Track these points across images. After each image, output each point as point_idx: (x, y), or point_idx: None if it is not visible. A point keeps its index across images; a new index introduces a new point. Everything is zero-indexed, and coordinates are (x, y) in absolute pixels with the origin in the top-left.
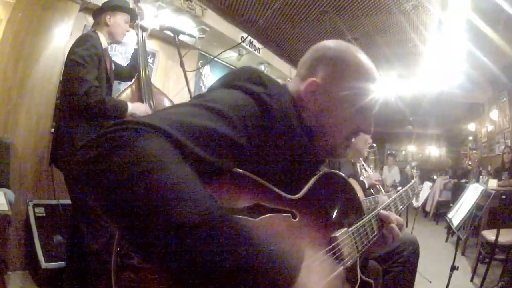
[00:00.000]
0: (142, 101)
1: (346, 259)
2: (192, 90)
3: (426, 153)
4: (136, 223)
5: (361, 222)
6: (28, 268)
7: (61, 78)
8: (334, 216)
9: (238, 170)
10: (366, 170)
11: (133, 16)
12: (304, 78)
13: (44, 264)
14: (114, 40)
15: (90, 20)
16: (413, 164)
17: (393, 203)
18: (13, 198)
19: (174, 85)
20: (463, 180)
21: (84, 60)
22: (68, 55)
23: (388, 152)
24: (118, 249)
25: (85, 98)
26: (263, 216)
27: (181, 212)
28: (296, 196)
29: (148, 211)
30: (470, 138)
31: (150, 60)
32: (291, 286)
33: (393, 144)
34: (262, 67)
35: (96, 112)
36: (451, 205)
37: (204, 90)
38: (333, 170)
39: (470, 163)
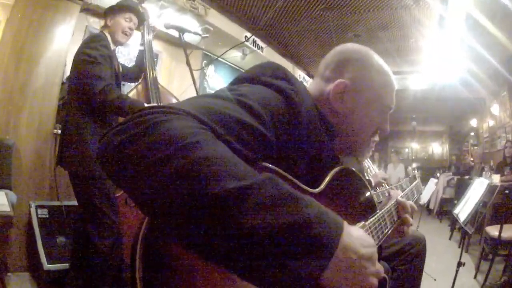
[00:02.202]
0: (149, 101)
1: None
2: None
3: (429, 150)
4: (180, 200)
5: (376, 216)
6: (30, 269)
7: (64, 79)
8: (351, 210)
9: (265, 164)
10: (371, 169)
11: (133, 10)
12: (329, 79)
13: (46, 266)
14: (115, 40)
15: (91, 20)
16: (414, 165)
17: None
18: (15, 200)
19: (179, 85)
20: (466, 177)
21: (97, 59)
22: (77, 55)
23: (393, 150)
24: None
25: (102, 96)
26: None
27: (227, 180)
28: (317, 189)
29: (190, 186)
30: (472, 134)
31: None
32: (342, 234)
33: (396, 141)
34: None
35: (112, 109)
36: (455, 202)
37: (208, 90)
38: (347, 166)
39: (472, 159)
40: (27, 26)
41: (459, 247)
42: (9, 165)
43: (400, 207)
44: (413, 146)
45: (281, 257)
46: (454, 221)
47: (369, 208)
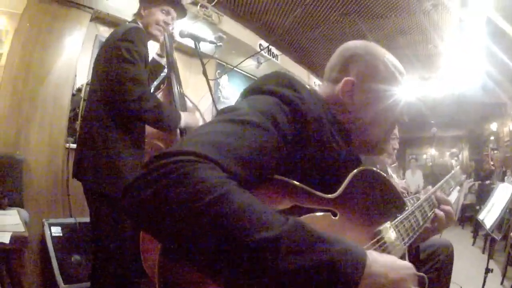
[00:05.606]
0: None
1: (392, 253)
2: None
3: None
4: (212, 253)
5: (404, 214)
6: None
7: (74, 90)
8: (376, 212)
9: (279, 177)
10: (393, 179)
11: (171, 3)
12: (336, 80)
13: (62, 286)
14: (148, 32)
15: (101, 29)
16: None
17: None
18: (28, 218)
19: (193, 95)
20: (487, 182)
21: (135, 58)
22: (111, 50)
23: (410, 157)
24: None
25: (138, 104)
26: (303, 217)
27: (257, 231)
28: (334, 195)
29: (222, 239)
30: (492, 138)
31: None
32: (366, 268)
33: (414, 148)
34: None
35: (149, 120)
36: (477, 207)
37: (222, 100)
38: (368, 166)
39: (492, 163)
40: (36, 35)
41: (483, 253)
42: (20, 181)
43: (438, 200)
44: (432, 153)
45: None
46: (477, 227)
47: (397, 206)
